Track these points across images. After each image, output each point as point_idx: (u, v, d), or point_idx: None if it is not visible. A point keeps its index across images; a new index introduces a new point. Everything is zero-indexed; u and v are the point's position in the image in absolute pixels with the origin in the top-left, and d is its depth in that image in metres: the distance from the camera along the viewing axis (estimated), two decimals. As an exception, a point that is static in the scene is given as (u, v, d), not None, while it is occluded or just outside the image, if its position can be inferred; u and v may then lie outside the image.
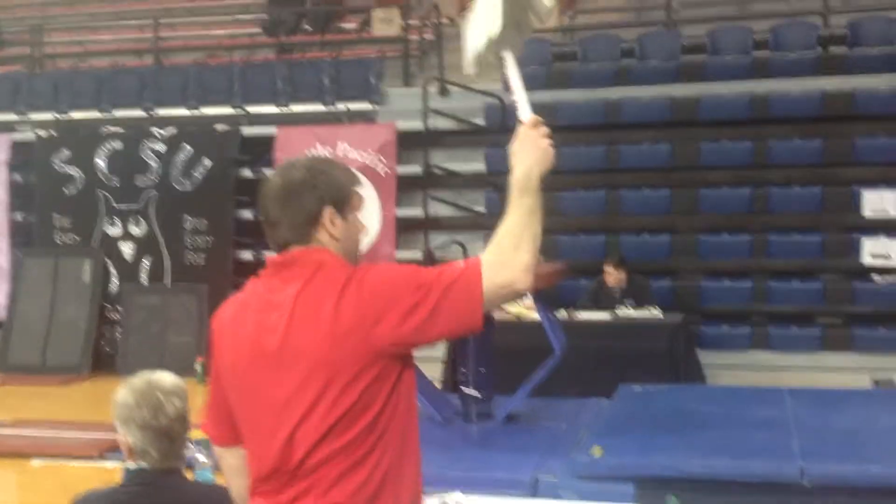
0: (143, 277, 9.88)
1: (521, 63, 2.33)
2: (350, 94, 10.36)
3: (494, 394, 6.16)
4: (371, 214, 9.18)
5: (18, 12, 14.86)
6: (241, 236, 9.76)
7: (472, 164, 9.61)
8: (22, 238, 10.53)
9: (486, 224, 8.30)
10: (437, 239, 9.49)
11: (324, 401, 2.02)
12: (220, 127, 10.22)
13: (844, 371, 7.88)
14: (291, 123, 10.12)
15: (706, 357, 8.00)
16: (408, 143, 9.72)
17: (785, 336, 8.25)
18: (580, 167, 8.82)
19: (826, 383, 7.49)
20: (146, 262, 9.88)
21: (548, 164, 2.12)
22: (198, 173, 9.87)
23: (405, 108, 10.10)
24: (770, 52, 9.52)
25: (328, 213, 2.13)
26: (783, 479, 4.56)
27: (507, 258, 2.02)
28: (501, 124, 9.18)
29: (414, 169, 9.70)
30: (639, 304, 7.87)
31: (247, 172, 9.96)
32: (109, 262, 9.95)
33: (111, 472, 5.42)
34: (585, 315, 7.77)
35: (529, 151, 2.13)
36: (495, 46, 2.33)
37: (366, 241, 2.33)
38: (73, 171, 10.20)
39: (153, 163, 9.98)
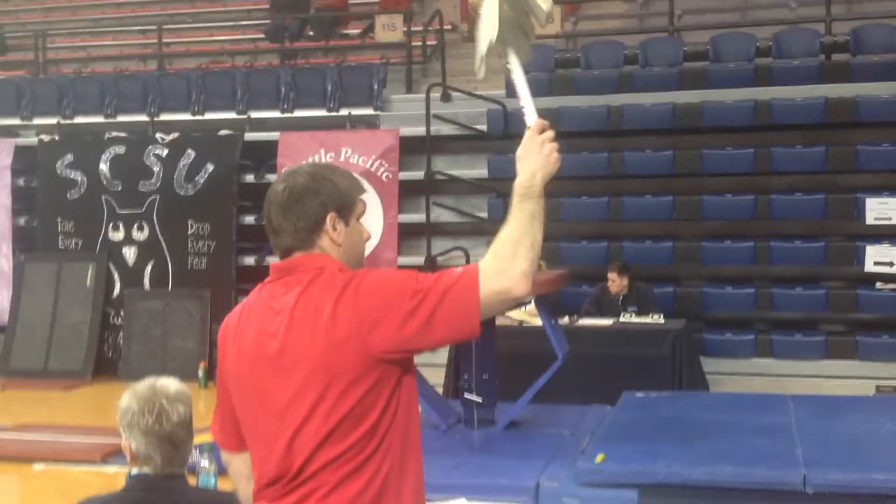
0: (146, 282, 9.88)
1: (525, 69, 2.33)
2: (353, 99, 10.38)
3: (497, 400, 6.16)
4: (373, 220, 9.19)
5: (23, 17, 14.92)
6: (243, 241, 9.77)
7: (475, 169, 9.61)
8: (25, 242, 10.54)
9: (488, 230, 8.30)
10: (440, 245, 9.51)
11: (322, 405, 2.02)
12: (223, 132, 10.24)
13: (848, 378, 7.86)
14: (294, 129, 10.13)
15: (709, 364, 7.99)
16: (410, 148, 9.73)
17: (788, 343, 8.23)
18: (583, 173, 8.82)
19: (829, 391, 7.47)
20: (149, 267, 9.88)
21: (552, 169, 2.12)
22: (201, 178, 9.88)
23: (408, 113, 10.13)
24: (773, 60, 9.52)
25: (331, 218, 2.14)
26: (786, 486, 4.56)
27: (505, 265, 2.01)
28: (504, 130, 9.20)
29: (416, 174, 9.70)
30: (642, 310, 7.86)
31: (250, 177, 9.97)
32: (112, 267, 9.95)
33: (112, 476, 5.42)
34: (588, 321, 7.77)
35: (534, 156, 2.12)
36: (498, 50, 2.32)
37: (368, 247, 2.32)
38: (77, 175, 10.22)
39: (156, 168, 9.99)
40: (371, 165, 9.56)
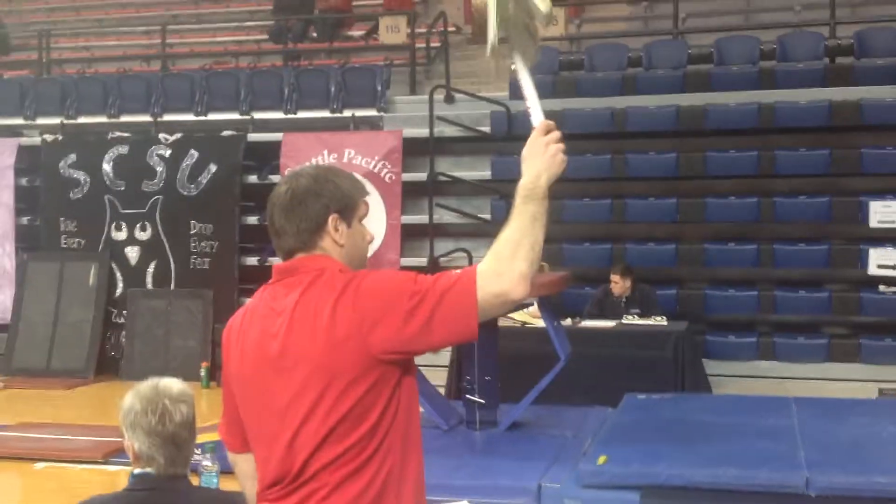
0: (149, 282, 9.89)
1: (529, 71, 2.32)
2: (356, 101, 10.39)
3: (499, 401, 6.16)
4: (376, 221, 9.19)
5: (26, 17, 14.94)
6: (246, 242, 9.77)
7: (478, 171, 9.62)
8: (28, 242, 10.56)
9: (491, 231, 8.27)
10: (442, 246, 9.51)
11: (322, 405, 2.02)
12: (226, 133, 10.24)
13: (850, 381, 7.86)
14: (297, 130, 10.14)
15: (711, 366, 7.99)
16: (414, 150, 9.73)
17: (791, 346, 8.23)
18: (586, 175, 8.81)
19: (832, 394, 7.46)
20: (151, 267, 9.89)
21: (558, 170, 2.10)
22: (204, 179, 9.88)
23: (411, 115, 10.13)
24: (777, 63, 9.51)
25: (333, 219, 2.14)
26: (789, 489, 4.55)
27: (504, 267, 2.00)
28: (507, 132, 9.20)
29: (419, 176, 9.71)
30: (644, 312, 7.86)
31: (253, 178, 9.98)
32: (115, 267, 9.96)
33: (114, 475, 5.43)
34: (591, 323, 7.76)
35: (539, 157, 2.11)
36: (504, 51, 2.32)
37: (371, 248, 2.32)
38: (80, 175, 10.22)
39: (159, 168, 10.00)
40: (374, 167, 9.57)
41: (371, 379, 2.03)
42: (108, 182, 10.13)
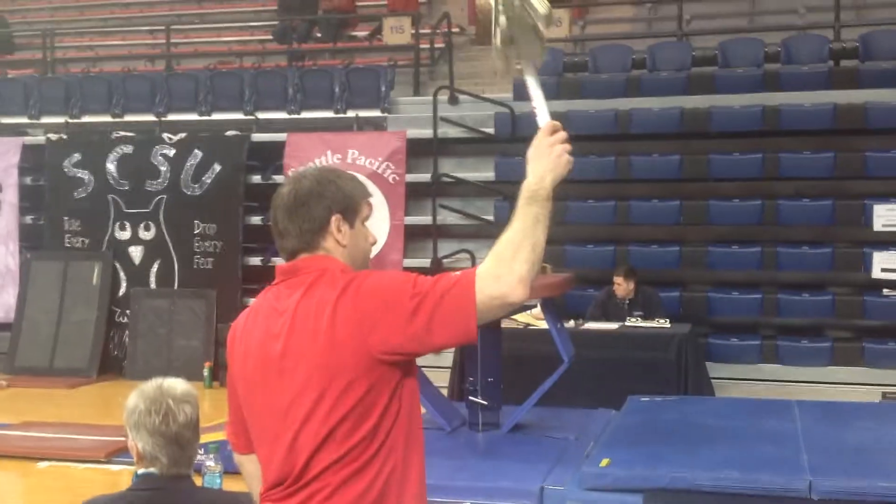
0: (152, 281, 9.89)
1: (535, 72, 2.31)
2: (360, 101, 10.39)
3: (502, 403, 6.15)
4: (380, 221, 9.19)
5: (30, 17, 14.97)
6: (249, 242, 9.78)
7: (482, 172, 9.61)
8: (32, 241, 10.57)
9: (494, 233, 8.25)
10: (446, 247, 9.51)
11: (322, 406, 2.02)
12: (230, 133, 10.25)
13: (854, 385, 7.85)
14: (301, 130, 10.14)
15: (714, 369, 7.97)
16: (417, 150, 9.74)
17: (794, 349, 8.21)
18: (590, 177, 8.80)
19: (835, 397, 7.46)
20: (155, 266, 9.90)
21: (563, 171, 2.08)
22: (208, 178, 9.89)
23: (415, 116, 10.14)
24: (781, 65, 9.51)
25: (335, 220, 2.14)
26: (791, 492, 4.55)
27: (503, 269, 1.98)
28: (511, 133, 9.20)
29: (423, 177, 9.71)
30: (647, 315, 7.85)
31: (256, 178, 9.98)
32: (118, 266, 9.96)
33: (117, 474, 5.43)
34: (594, 325, 7.76)
35: (544, 158, 2.09)
36: (506, 52, 2.31)
37: (374, 249, 2.32)
38: (84, 174, 10.24)
39: (163, 167, 10.01)
40: (378, 167, 9.57)
41: (371, 379, 2.02)
42: (111, 181, 10.14)
